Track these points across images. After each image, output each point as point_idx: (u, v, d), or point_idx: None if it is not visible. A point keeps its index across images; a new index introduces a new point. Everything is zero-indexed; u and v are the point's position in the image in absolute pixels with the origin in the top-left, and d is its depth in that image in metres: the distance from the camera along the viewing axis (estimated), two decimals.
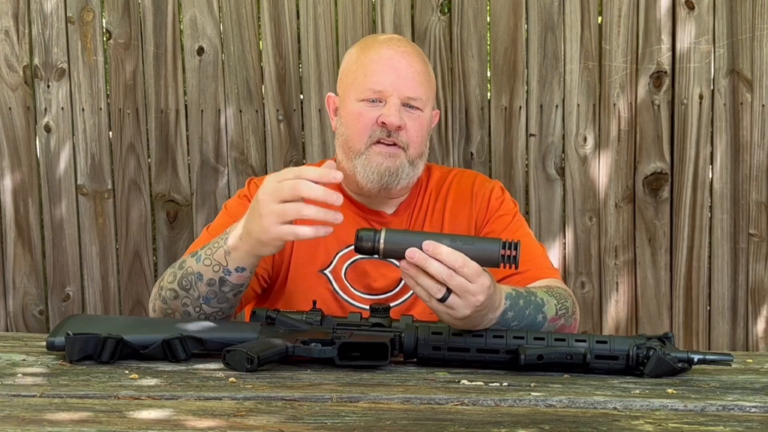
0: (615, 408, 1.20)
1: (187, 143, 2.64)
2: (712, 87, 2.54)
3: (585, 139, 2.56)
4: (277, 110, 2.60)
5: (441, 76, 2.55)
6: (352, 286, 1.76)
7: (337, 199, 1.38)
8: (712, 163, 2.56)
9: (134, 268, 2.69)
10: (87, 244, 2.68)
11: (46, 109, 2.64)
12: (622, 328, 2.61)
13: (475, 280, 1.34)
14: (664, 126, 2.55)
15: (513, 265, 1.35)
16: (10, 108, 2.64)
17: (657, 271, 2.59)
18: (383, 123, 1.71)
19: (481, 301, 1.36)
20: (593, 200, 2.58)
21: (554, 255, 2.57)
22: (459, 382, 1.34)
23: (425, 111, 1.77)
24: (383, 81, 1.73)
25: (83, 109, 2.64)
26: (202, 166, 2.64)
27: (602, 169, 2.57)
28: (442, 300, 1.35)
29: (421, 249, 1.33)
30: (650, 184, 2.57)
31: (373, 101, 1.73)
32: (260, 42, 2.61)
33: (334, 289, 1.76)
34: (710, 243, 2.59)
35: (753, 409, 1.21)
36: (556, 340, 1.42)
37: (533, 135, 2.58)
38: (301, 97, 2.61)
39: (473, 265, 1.34)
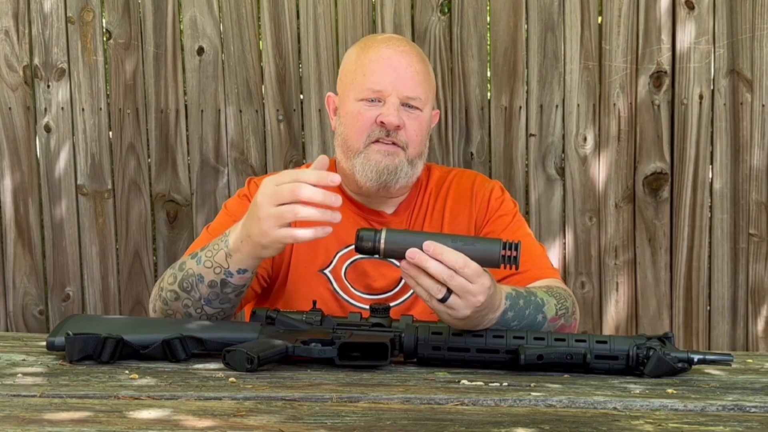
0: (615, 408, 1.20)
1: (187, 143, 2.64)
2: (712, 87, 2.54)
3: (585, 139, 2.56)
4: (277, 110, 2.60)
5: (441, 76, 2.55)
6: (352, 286, 1.76)
7: (336, 200, 1.38)
8: (712, 163, 2.56)
9: (134, 268, 2.69)
10: (87, 244, 2.68)
11: (46, 109, 2.64)
12: (622, 328, 2.61)
13: (475, 280, 1.34)
14: (664, 126, 2.55)
15: (513, 266, 1.35)
16: (10, 108, 2.64)
17: (657, 271, 2.59)
18: (382, 123, 1.72)
19: (482, 301, 1.36)
20: (593, 200, 2.58)
21: (554, 255, 2.57)
22: (459, 382, 1.34)
23: (424, 111, 1.77)
24: (382, 81, 1.73)
25: (83, 109, 2.64)
26: (202, 166, 2.64)
27: (602, 169, 2.57)
28: (443, 300, 1.35)
29: (421, 249, 1.33)
30: (650, 184, 2.57)
31: (372, 101, 1.73)
32: (260, 42, 2.61)
33: (334, 288, 1.76)
34: (710, 243, 2.59)
35: (753, 409, 1.21)
36: (556, 340, 1.42)
37: (533, 135, 2.58)
38: (301, 97, 2.61)
39: (474, 266, 1.34)
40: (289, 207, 1.40)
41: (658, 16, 2.52)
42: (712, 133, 2.55)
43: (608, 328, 2.61)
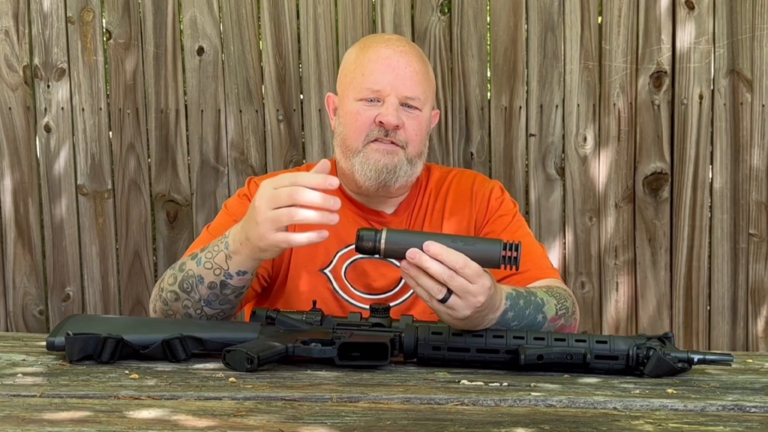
0: (615, 408, 1.20)
1: (187, 143, 2.64)
2: (712, 87, 2.54)
3: (585, 139, 2.56)
4: (277, 110, 2.60)
5: (441, 76, 2.55)
6: (352, 286, 1.76)
7: (336, 203, 1.38)
8: (712, 163, 2.56)
9: (134, 268, 2.69)
10: (87, 244, 2.68)
11: (46, 109, 2.64)
12: (622, 328, 2.61)
13: (475, 281, 1.34)
14: (664, 126, 2.55)
15: (514, 266, 1.35)
16: (10, 108, 2.64)
17: (657, 271, 2.59)
18: (381, 122, 1.72)
19: (482, 301, 1.36)
20: (593, 200, 2.58)
21: (554, 255, 2.57)
22: (459, 382, 1.34)
23: (424, 110, 1.77)
24: (381, 80, 1.73)
25: (83, 109, 2.64)
26: (202, 166, 2.64)
27: (602, 169, 2.57)
28: (443, 301, 1.35)
29: (422, 249, 1.33)
30: (650, 184, 2.57)
31: (371, 101, 1.73)
32: (260, 42, 2.61)
33: (334, 288, 1.76)
34: (710, 243, 2.59)
35: (753, 409, 1.21)
36: (556, 340, 1.42)
37: (533, 135, 2.58)
38: (301, 97, 2.61)
39: (474, 266, 1.34)
40: (285, 210, 1.40)
41: (658, 16, 2.52)
42: (712, 133, 2.55)
43: (608, 328, 2.61)
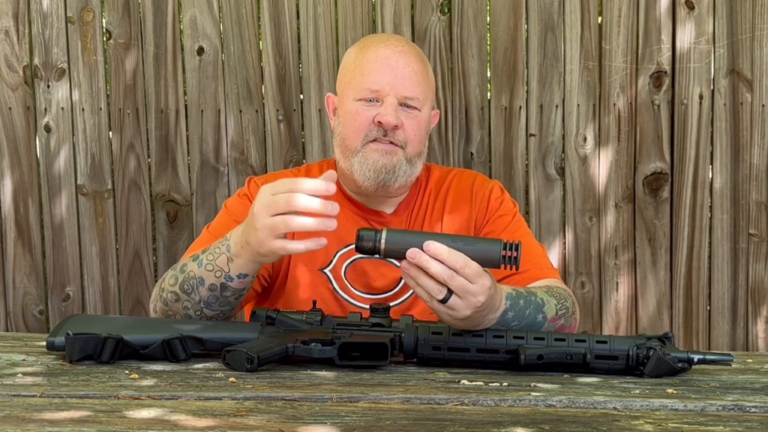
0: (615, 408, 1.20)
1: (187, 143, 2.64)
2: (712, 87, 2.54)
3: (585, 139, 2.56)
4: (277, 110, 2.61)
5: (441, 76, 2.55)
6: (351, 286, 1.76)
7: (334, 208, 1.37)
8: (712, 163, 2.56)
9: (134, 268, 2.69)
10: (87, 244, 2.68)
11: (46, 109, 2.64)
12: (622, 328, 2.61)
13: (476, 280, 1.34)
14: (664, 126, 2.55)
15: (514, 266, 1.35)
16: (10, 108, 2.65)
17: (657, 271, 2.59)
18: (379, 122, 1.72)
19: (482, 301, 1.36)
20: (593, 200, 2.58)
21: (554, 255, 2.57)
22: (459, 382, 1.34)
23: (423, 110, 1.77)
24: (380, 80, 1.73)
25: (83, 109, 2.64)
26: (202, 166, 2.64)
27: (602, 169, 2.57)
28: (443, 301, 1.35)
29: (422, 249, 1.33)
30: (650, 184, 2.57)
31: (370, 101, 1.73)
32: (260, 42, 2.61)
33: (334, 288, 1.76)
34: (710, 243, 2.59)
35: (753, 409, 1.21)
36: (556, 340, 1.42)
37: (533, 135, 2.58)
38: (301, 97, 2.61)
39: (474, 266, 1.34)
40: (281, 218, 1.40)
41: (658, 16, 2.52)
42: (712, 133, 2.56)
43: (608, 328, 2.61)
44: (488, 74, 2.60)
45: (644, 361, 1.39)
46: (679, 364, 1.39)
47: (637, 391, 1.29)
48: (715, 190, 2.56)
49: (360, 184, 1.75)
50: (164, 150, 2.64)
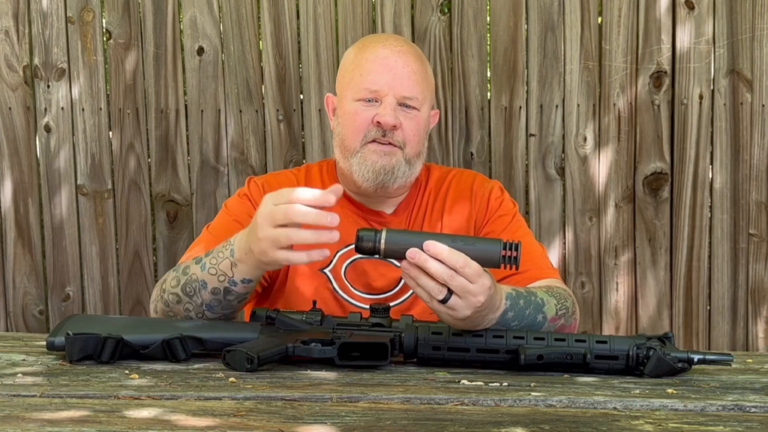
0: (615, 408, 1.20)
1: (187, 143, 2.64)
2: (712, 87, 2.54)
3: (585, 139, 2.56)
4: (277, 110, 2.61)
5: (441, 76, 2.55)
6: (351, 286, 1.76)
7: (333, 220, 1.36)
8: (712, 163, 2.56)
9: (134, 268, 2.69)
10: (87, 244, 2.68)
11: (46, 109, 2.64)
12: (622, 328, 2.61)
13: (475, 280, 1.34)
14: (664, 126, 2.55)
15: (513, 266, 1.35)
16: (10, 108, 2.65)
17: (657, 271, 2.59)
18: (378, 123, 1.71)
19: (482, 301, 1.36)
20: (593, 200, 2.58)
21: (554, 255, 2.57)
22: (459, 382, 1.34)
23: (422, 110, 1.77)
24: (379, 80, 1.73)
25: (83, 109, 2.64)
26: (202, 166, 2.64)
27: (602, 169, 2.57)
28: (443, 301, 1.35)
29: (421, 249, 1.33)
30: (650, 184, 2.57)
31: (369, 101, 1.73)
32: (260, 42, 2.61)
33: (334, 288, 1.76)
34: (710, 243, 2.59)
35: (753, 409, 1.21)
36: (556, 340, 1.41)
37: (533, 135, 2.58)
38: (301, 97, 2.61)
39: (474, 266, 1.34)
40: (283, 231, 1.39)
41: (658, 16, 2.52)
42: (712, 132, 2.56)
43: (608, 328, 2.61)
44: (488, 74, 2.60)
45: (644, 361, 1.39)
46: (679, 364, 1.39)
47: (637, 391, 1.29)
48: (715, 190, 2.57)
49: (359, 185, 1.75)
50: (164, 150, 2.64)
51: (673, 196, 2.57)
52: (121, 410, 1.15)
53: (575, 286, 2.60)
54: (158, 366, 1.41)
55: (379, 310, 1.47)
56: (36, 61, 2.63)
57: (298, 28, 2.59)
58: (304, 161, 2.60)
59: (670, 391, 1.30)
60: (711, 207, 2.57)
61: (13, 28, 2.63)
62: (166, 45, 2.61)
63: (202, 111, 2.62)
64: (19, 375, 1.35)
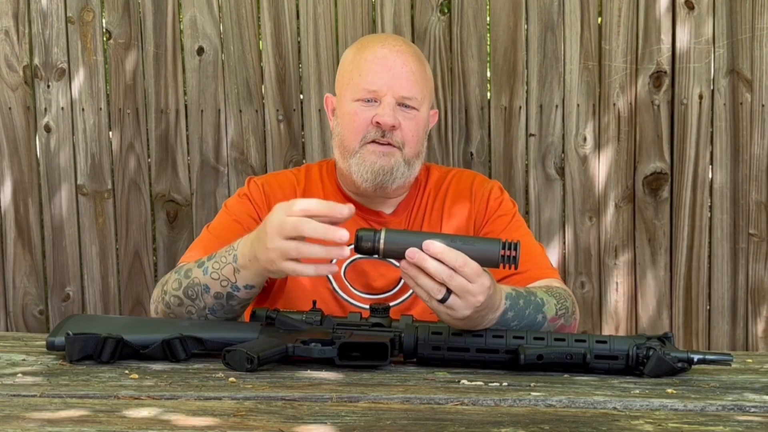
0: (615, 408, 1.20)
1: (187, 143, 2.64)
2: (712, 87, 2.54)
3: (585, 139, 2.56)
4: (277, 110, 2.61)
5: (441, 76, 2.55)
6: (351, 286, 1.76)
7: (343, 235, 1.35)
8: (712, 163, 2.56)
9: (134, 268, 2.69)
10: (87, 244, 2.68)
11: (46, 109, 2.64)
12: (622, 328, 2.61)
13: (475, 280, 1.34)
14: (663, 126, 2.55)
15: (513, 266, 1.35)
16: (10, 108, 2.65)
17: (657, 271, 2.59)
18: (377, 123, 1.71)
19: (481, 301, 1.36)
20: (593, 200, 2.58)
21: (554, 255, 2.57)
22: (459, 382, 1.34)
23: (421, 110, 1.76)
24: (377, 81, 1.73)
25: (83, 109, 2.64)
26: (202, 166, 2.64)
27: (602, 169, 2.57)
28: (442, 301, 1.35)
29: (421, 249, 1.33)
30: (650, 184, 2.57)
31: (368, 101, 1.73)
32: (260, 42, 2.62)
33: (334, 288, 1.76)
34: (710, 243, 2.59)
35: (753, 409, 1.21)
36: (556, 340, 1.41)
37: (533, 135, 2.58)
38: (301, 97, 2.61)
39: (473, 265, 1.34)
40: (294, 245, 1.39)
41: (658, 16, 2.52)
42: (711, 132, 2.56)
43: (608, 328, 2.62)
44: (488, 74, 2.60)
45: (644, 361, 1.39)
46: (679, 364, 1.39)
47: (637, 391, 1.29)
48: (715, 190, 2.57)
49: (358, 185, 1.75)
50: (164, 150, 2.64)
51: (672, 196, 2.57)
52: (121, 410, 1.15)
53: (575, 286, 2.60)
54: (158, 366, 1.41)
55: (379, 310, 1.47)
56: (36, 61, 2.63)
57: (298, 28, 2.59)
58: (304, 161, 2.60)
59: (670, 391, 1.30)
60: (711, 207, 2.57)
61: (13, 28, 2.63)
62: (166, 45, 2.61)
63: (202, 111, 2.62)
64: (19, 375, 1.35)
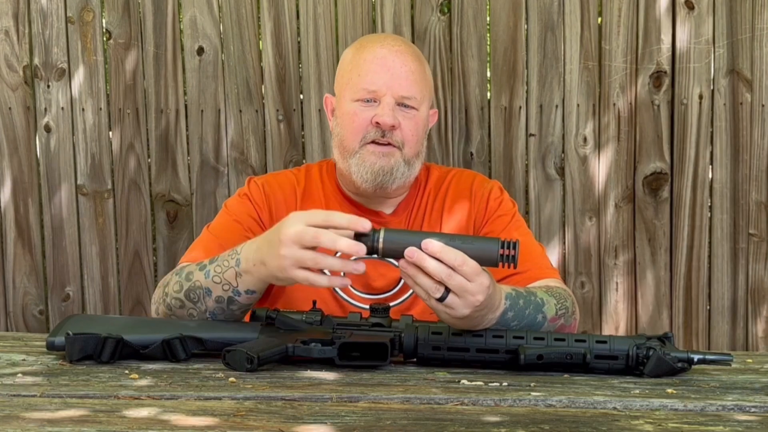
0: (615, 408, 1.20)
1: (187, 143, 2.64)
2: (712, 87, 2.54)
3: (585, 139, 2.56)
4: (277, 110, 2.61)
5: (441, 76, 2.55)
6: (351, 286, 1.76)
7: (360, 249, 1.34)
8: (712, 163, 2.56)
9: (134, 268, 2.69)
10: (87, 244, 2.68)
11: (46, 109, 2.64)
12: (622, 328, 2.61)
13: (474, 279, 1.34)
14: (663, 126, 2.55)
15: (512, 265, 1.35)
16: (10, 108, 2.65)
17: (657, 271, 2.59)
18: (377, 123, 1.71)
19: (480, 300, 1.36)
20: (593, 200, 2.58)
21: (554, 255, 2.57)
22: (459, 382, 1.34)
23: (421, 110, 1.76)
24: (377, 81, 1.73)
25: (83, 109, 2.64)
26: (202, 166, 2.64)
27: (602, 169, 2.57)
28: (441, 299, 1.35)
29: (419, 248, 1.33)
30: (650, 184, 2.57)
31: (367, 101, 1.73)
32: (260, 42, 2.62)
33: (334, 288, 1.76)
34: (710, 243, 2.59)
35: (753, 409, 1.21)
36: (556, 340, 1.41)
37: (533, 135, 2.58)
38: (301, 97, 2.61)
39: (472, 264, 1.33)
40: (311, 255, 1.38)
41: (658, 16, 2.52)
42: (711, 132, 2.56)
43: (608, 328, 2.62)
44: (488, 74, 2.60)
45: (644, 361, 1.39)
46: (679, 364, 1.39)
47: (637, 391, 1.29)
48: (715, 190, 2.57)
49: (358, 186, 1.75)
50: (164, 150, 2.64)
51: (672, 196, 2.57)
52: (121, 410, 1.15)
53: (575, 286, 2.60)
54: (158, 366, 1.41)
55: (379, 310, 1.47)
56: (36, 61, 2.63)
57: (298, 28, 2.59)
58: (303, 161, 2.60)
59: (669, 391, 1.30)
60: (711, 207, 2.57)
61: (13, 28, 2.63)
62: (166, 45, 2.61)
63: (202, 111, 2.62)
64: (19, 375, 1.35)
